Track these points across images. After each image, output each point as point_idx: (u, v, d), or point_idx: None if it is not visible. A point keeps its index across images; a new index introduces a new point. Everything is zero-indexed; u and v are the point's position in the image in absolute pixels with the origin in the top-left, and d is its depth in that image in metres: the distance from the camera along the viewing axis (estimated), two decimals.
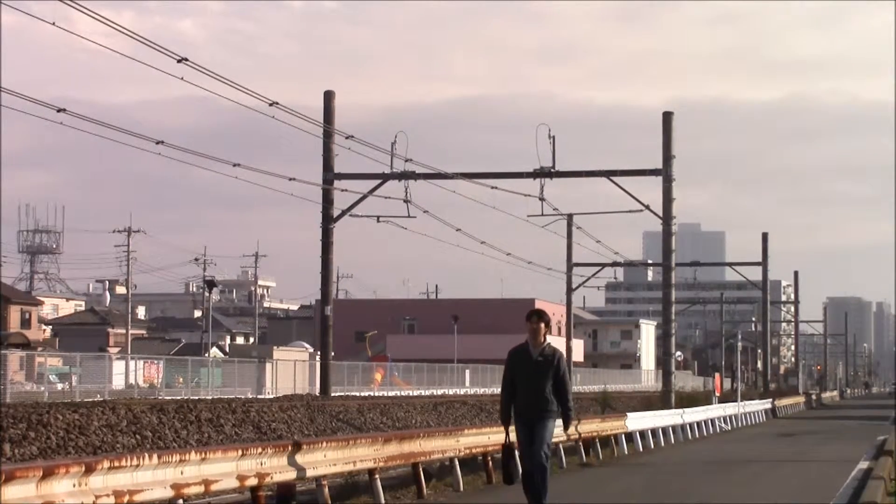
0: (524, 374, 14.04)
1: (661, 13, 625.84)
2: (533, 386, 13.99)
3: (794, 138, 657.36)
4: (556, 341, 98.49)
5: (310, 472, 15.59)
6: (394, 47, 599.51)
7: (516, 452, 14.37)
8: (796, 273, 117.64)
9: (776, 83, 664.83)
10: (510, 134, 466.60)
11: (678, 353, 78.28)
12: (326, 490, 16.00)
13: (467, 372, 73.54)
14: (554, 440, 24.91)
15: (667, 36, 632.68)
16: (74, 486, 11.36)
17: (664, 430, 34.47)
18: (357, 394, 50.40)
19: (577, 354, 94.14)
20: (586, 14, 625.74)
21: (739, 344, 59.45)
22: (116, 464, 12.00)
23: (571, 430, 17.90)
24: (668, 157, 42.51)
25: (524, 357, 14.11)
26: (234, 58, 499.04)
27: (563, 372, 14.10)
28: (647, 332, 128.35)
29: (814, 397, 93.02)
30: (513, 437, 14.27)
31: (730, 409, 48.60)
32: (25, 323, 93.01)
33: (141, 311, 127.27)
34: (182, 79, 25.14)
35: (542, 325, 14.20)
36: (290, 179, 35.08)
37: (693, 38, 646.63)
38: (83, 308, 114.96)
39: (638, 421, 31.97)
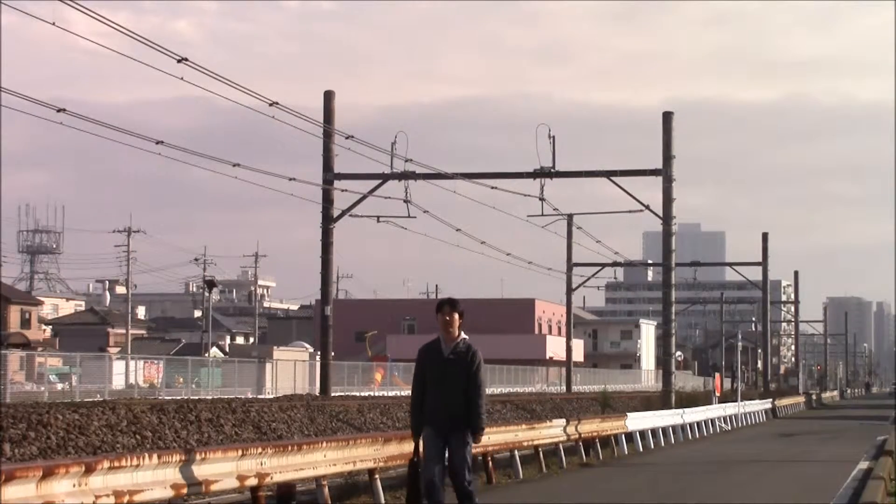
0: (433, 376, 12.34)
1: (659, 14, 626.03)
2: (443, 389, 12.28)
3: (793, 138, 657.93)
4: (557, 341, 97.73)
5: (309, 473, 15.61)
6: (390, 48, 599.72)
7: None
8: (796, 273, 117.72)
9: (773, 83, 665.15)
10: (509, 134, 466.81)
11: (678, 353, 78.33)
12: (326, 490, 16.01)
13: None
14: (551, 440, 25.12)
15: (664, 36, 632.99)
16: (74, 486, 11.36)
17: (664, 430, 34.47)
18: (357, 394, 50.38)
19: (578, 354, 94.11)
20: (583, 14, 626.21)
21: (739, 344, 59.42)
22: (116, 464, 12.00)
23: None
24: (668, 157, 42.50)
25: (434, 355, 12.43)
26: (230, 58, 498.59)
27: (477, 372, 12.35)
28: (647, 332, 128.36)
29: (814, 397, 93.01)
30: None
31: (730, 409, 48.59)
32: (25, 323, 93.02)
33: (141, 311, 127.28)
34: (182, 79, 25.16)
35: (455, 315, 12.42)
36: (290, 179, 35.11)
37: (690, 39, 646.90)
38: (83, 308, 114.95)
39: (638, 421, 31.97)
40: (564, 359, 73.99)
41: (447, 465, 12.29)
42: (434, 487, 12.19)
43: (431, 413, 12.29)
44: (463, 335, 12.45)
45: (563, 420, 26.27)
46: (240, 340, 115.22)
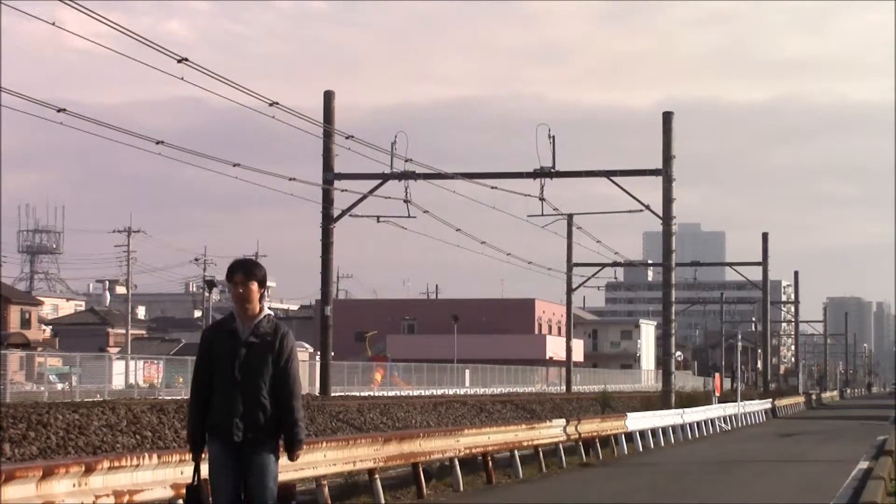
0: (224, 367, 8.65)
1: (654, 14, 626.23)
2: (239, 386, 8.61)
3: (792, 138, 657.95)
4: (557, 341, 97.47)
5: (309, 473, 15.61)
6: (384, 49, 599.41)
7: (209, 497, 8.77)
8: (796, 273, 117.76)
9: (768, 84, 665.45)
10: (508, 134, 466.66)
11: (678, 353, 78.24)
12: (326, 490, 16.02)
13: (467, 372, 73.54)
14: (551, 440, 25.11)
15: (659, 37, 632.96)
16: (74, 486, 11.37)
17: (664, 430, 34.48)
18: (357, 394, 50.38)
19: (577, 354, 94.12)
20: (578, 14, 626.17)
21: (739, 344, 59.41)
22: (116, 464, 12.01)
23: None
24: (668, 157, 42.49)
25: (226, 338, 8.72)
26: (224, 58, 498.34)
27: (289, 362, 8.72)
28: (647, 332, 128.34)
29: (814, 397, 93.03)
30: (205, 470, 8.74)
31: (730, 409, 48.61)
32: (25, 323, 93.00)
33: (141, 311, 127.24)
34: (182, 79, 25.16)
35: (253, 286, 8.72)
36: (290, 179, 35.11)
37: (686, 39, 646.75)
38: (83, 308, 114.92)
39: (638, 421, 31.99)
40: (564, 359, 73.95)
41: (245, 493, 8.66)
42: None
43: (220, 421, 8.63)
44: (267, 311, 8.84)
45: (563, 420, 26.28)
46: None
